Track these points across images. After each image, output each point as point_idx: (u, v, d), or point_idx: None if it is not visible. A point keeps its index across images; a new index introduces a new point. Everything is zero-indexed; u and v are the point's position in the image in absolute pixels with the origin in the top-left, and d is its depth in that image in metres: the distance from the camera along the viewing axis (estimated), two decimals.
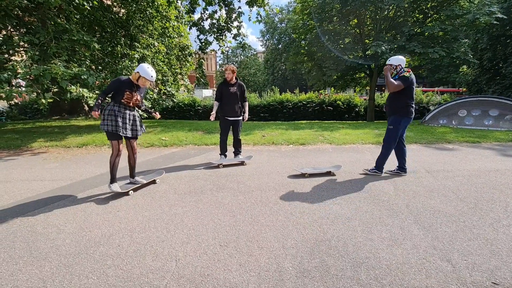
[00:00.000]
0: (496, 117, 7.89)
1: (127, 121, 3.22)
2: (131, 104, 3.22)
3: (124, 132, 3.18)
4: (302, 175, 3.86)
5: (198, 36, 10.69)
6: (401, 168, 3.86)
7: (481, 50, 16.44)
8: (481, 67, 16.76)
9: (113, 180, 3.23)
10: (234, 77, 4.41)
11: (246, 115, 4.67)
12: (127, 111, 3.22)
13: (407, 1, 10.25)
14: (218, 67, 41.25)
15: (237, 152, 4.72)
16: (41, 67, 5.49)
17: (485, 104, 8.16)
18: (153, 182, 3.65)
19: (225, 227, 2.44)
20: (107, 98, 3.27)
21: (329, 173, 3.93)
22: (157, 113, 3.67)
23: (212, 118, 4.36)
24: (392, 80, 3.54)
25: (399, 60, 3.63)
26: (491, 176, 3.74)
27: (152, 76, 3.21)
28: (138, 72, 3.18)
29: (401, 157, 3.85)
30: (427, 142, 6.10)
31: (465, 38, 10.74)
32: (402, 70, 3.63)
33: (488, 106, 8.10)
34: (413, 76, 3.57)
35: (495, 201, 2.94)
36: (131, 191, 3.29)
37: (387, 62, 3.71)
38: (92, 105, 6.59)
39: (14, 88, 5.40)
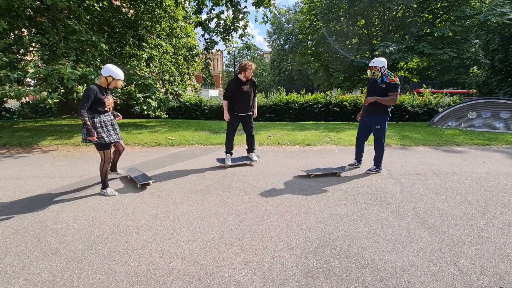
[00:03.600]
0: (507, 120, 7.72)
1: (116, 127, 3.33)
2: (110, 109, 3.29)
3: (116, 138, 3.29)
4: (308, 176, 3.85)
5: (203, 35, 10.76)
6: (359, 161, 4.28)
7: (492, 51, 16.08)
8: (492, 68, 16.40)
9: (106, 185, 3.28)
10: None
11: (256, 111, 4.52)
12: (109, 117, 3.28)
13: (416, 1, 10.12)
14: (224, 67, 41.42)
15: (250, 149, 4.58)
16: (50, 67, 5.61)
17: (496, 106, 7.99)
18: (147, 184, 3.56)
19: (231, 226, 2.46)
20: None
21: (334, 174, 3.91)
22: (119, 115, 3.57)
23: (227, 118, 4.27)
24: (390, 96, 3.63)
25: (382, 62, 3.69)
26: (501, 180, 3.67)
27: (122, 76, 3.21)
28: (110, 76, 3.10)
29: (361, 151, 4.23)
30: (435, 144, 6.01)
31: (476, 39, 10.55)
32: (387, 72, 3.70)
33: (499, 108, 7.93)
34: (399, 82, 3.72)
35: (505, 204, 2.88)
36: (152, 181, 3.45)
37: (371, 65, 3.76)
38: None
39: (23, 87, 5.51)
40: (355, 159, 4.31)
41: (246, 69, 4.05)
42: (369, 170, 4.04)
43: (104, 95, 3.14)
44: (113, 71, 3.11)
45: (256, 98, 4.50)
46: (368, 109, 3.88)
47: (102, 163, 3.23)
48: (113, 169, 3.78)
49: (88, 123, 2.97)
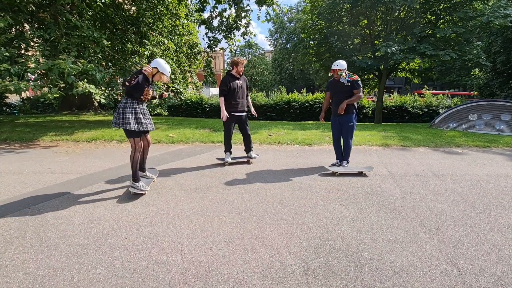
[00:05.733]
0: (508, 122, 7.71)
1: (148, 117, 3.25)
2: (147, 99, 3.26)
3: (150, 127, 3.22)
4: (332, 174, 3.91)
5: (206, 33, 10.74)
6: (341, 160, 4.30)
7: (495, 53, 16.07)
8: (494, 71, 16.39)
9: (138, 179, 3.12)
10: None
11: (253, 109, 4.52)
12: (143, 106, 3.24)
13: (419, 2, 10.08)
14: (226, 65, 41.34)
15: (248, 149, 4.56)
16: (50, 61, 5.60)
17: (497, 108, 7.98)
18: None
19: (230, 224, 2.47)
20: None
21: (360, 174, 3.93)
22: (165, 93, 3.70)
23: (225, 117, 4.13)
24: (356, 94, 3.94)
25: (344, 64, 4.00)
26: (501, 182, 3.67)
27: (169, 72, 3.25)
28: (156, 67, 3.15)
29: (341, 150, 4.33)
30: (435, 146, 6.01)
31: (478, 41, 10.51)
32: (348, 73, 4.02)
33: (500, 110, 7.91)
34: None
35: (504, 206, 2.89)
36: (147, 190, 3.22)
37: (336, 68, 3.97)
38: (99, 100, 6.62)
39: (23, 81, 5.50)
40: (337, 159, 4.36)
41: (238, 64, 4.13)
42: (339, 163, 4.17)
43: (147, 85, 3.14)
44: (160, 64, 3.16)
45: (249, 97, 4.51)
46: (340, 112, 4.07)
47: (132, 152, 3.17)
48: (141, 168, 3.46)
49: (131, 79, 2.94)
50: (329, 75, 4.37)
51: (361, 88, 3.96)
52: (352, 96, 3.95)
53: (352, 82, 3.93)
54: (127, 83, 2.93)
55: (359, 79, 4.01)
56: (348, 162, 4.19)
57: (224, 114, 4.17)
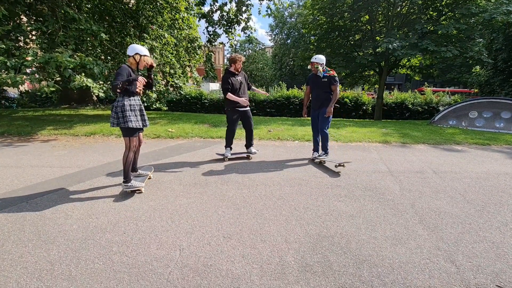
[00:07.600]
0: (508, 120, 7.70)
1: (144, 113, 3.11)
2: (142, 90, 3.10)
3: (142, 124, 3.05)
4: (334, 169, 3.96)
5: (206, 28, 10.63)
6: (318, 151, 4.43)
7: (496, 51, 15.99)
8: (495, 68, 16.33)
9: (129, 179, 2.98)
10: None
11: (262, 91, 4.64)
12: (138, 102, 3.09)
13: None
14: (226, 60, 41.02)
15: (249, 144, 4.57)
16: (47, 55, 5.53)
17: (497, 106, 7.96)
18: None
19: (229, 220, 2.46)
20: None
21: (341, 165, 3.93)
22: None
23: (245, 102, 4.19)
24: (335, 92, 4.03)
25: (323, 59, 4.07)
26: (500, 179, 3.67)
27: (147, 52, 3.07)
28: (137, 53, 2.95)
29: (318, 142, 4.42)
30: (435, 143, 6.01)
31: (479, 38, 10.43)
32: (325, 68, 4.09)
33: (500, 108, 7.90)
34: None
35: (503, 204, 2.89)
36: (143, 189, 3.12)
37: (314, 61, 4.04)
38: (98, 94, 6.55)
39: (19, 74, 5.43)
40: (314, 151, 4.48)
41: (236, 61, 4.16)
42: (319, 155, 4.21)
43: (137, 77, 2.98)
44: (138, 48, 2.97)
45: (253, 87, 4.56)
46: (317, 104, 4.18)
47: (126, 152, 2.99)
48: (133, 169, 3.31)
49: (121, 82, 2.75)
50: (308, 67, 4.38)
51: (338, 83, 4.02)
52: (330, 93, 4.06)
53: (329, 77, 4.00)
54: (118, 90, 2.76)
55: (336, 74, 4.08)
56: (325, 153, 4.19)
57: (242, 100, 4.15)
